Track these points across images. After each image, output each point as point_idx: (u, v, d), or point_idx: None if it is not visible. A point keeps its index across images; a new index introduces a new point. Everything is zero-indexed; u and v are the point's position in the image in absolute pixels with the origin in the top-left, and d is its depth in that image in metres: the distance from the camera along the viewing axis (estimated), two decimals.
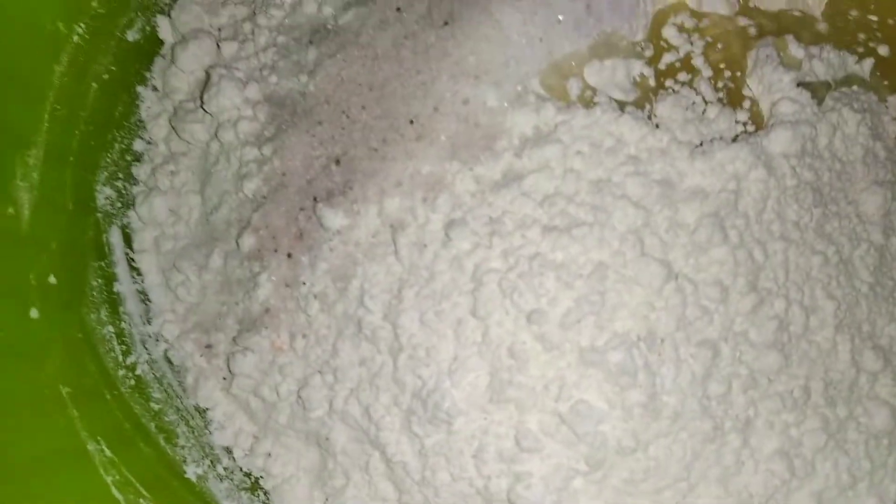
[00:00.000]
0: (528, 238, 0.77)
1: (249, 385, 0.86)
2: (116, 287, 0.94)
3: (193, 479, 0.89)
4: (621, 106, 0.83)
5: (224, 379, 0.89)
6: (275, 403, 0.85)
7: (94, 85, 0.94)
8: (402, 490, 0.83)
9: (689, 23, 0.92)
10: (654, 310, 0.77)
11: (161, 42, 1.02)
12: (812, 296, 0.84)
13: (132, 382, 0.90)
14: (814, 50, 0.96)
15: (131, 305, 0.94)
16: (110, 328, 0.91)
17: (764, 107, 0.91)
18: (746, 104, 0.90)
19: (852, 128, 0.92)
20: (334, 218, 0.81)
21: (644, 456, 0.77)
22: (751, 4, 0.97)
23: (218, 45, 0.98)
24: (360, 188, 0.81)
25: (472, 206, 0.79)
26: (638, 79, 0.86)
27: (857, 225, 0.89)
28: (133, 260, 0.95)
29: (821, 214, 0.86)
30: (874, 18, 1.02)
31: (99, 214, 0.94)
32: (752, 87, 0.92)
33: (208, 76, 0.94)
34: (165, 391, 0.92)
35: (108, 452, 0.82)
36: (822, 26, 1.01)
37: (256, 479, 0.90)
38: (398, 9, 0.87)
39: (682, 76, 0.88)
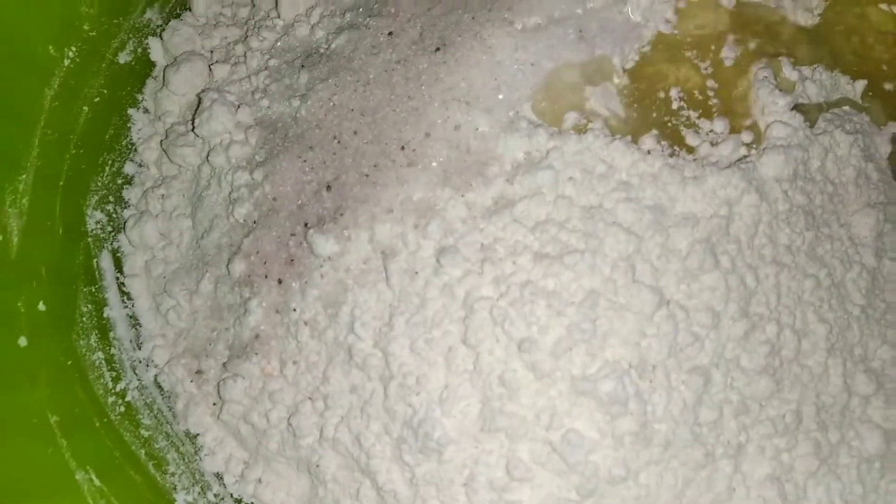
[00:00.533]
0: (520, 265, 0.77)
1: (240, 411, 0.86)
2: (106, 312, 0.93)
3: None
4: (613, 131, 0.83)
5: (214, 405, 0.88)
6: (265, 430, 0.85)
7: (84, 108, 0.94)
8: None
9: (682, 47, 0.92)
10: (646, 337, 0.76)
11: (153, 64, 1.03)
12: (804, 319, 0.84)
13: (122, 409, 0.90)
14: (806, 71, 0.96)
15: (121, 330, 0.93)
16: (100, 354, 0.91)
17: (759, 128, 0.91)
18: (744, 124, 0.90)
19: (844, 150, 0.92)
20: (325, 244, 0.81)
21: (635, 484, 0.76)
22: (744, 18, 0.97)
23: (210, 68, 0.98)
24: (352, 214, 0.81)
25: (464, 233, 0.79)
26: (630, 103, 0.86)
27: (849, 247, 0.89)
28: (123, 284, 0.95)
29: (813, 237, 0.86)
30: (866, 38, 1.03)
31: (89, 239, 0.94)
32: (749, 109, 0.92)
33: (200, 100, 0.94)
34: (155, 417, 0.91)
35: (97, 482, 0.81)
36: (814, 46, 1.02)
37: None
38: (390, 33, 0.88)
39: (676, 100, 0.89)
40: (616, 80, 0.86)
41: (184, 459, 0.90)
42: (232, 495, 0.90)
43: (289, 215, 0.85)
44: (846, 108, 0.97)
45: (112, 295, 0.94)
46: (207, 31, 1.02)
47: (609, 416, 0.75)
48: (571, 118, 0.85)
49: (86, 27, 0.92)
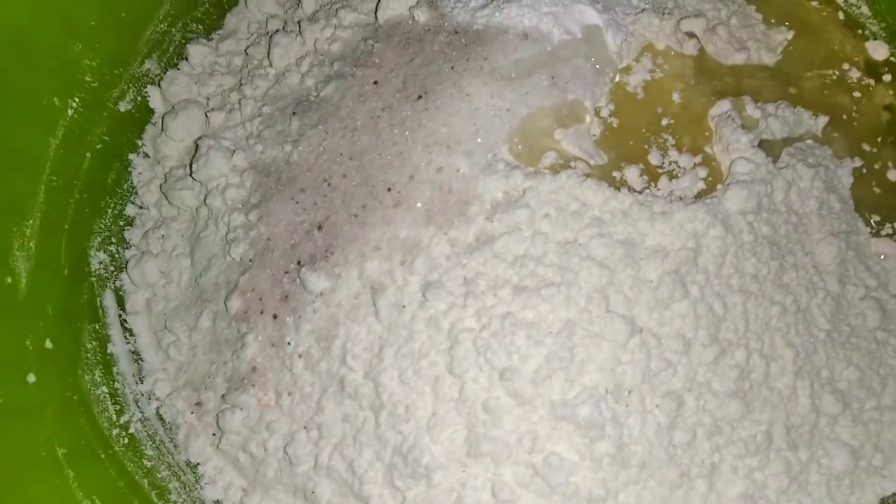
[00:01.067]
0: (501, 298, 0.82)
1: (238, 441, 0.89)
2: (110, 348, 0.97)
3: None
4: (586, 170, 0.88)
5: (214, 435, 0.92)
6: (263, 458, 0.88)
7: (87, 155, 0.98)
8: None
9: (650, 87, 0.98)
10: (620, 364, 0.81)
11: (152, 111, 1.07)
12: (772, 344, 0.88)
13: (125, 441, 0.93)
14: (770, 108, 1.02)
15: (124, 365, 0.97)
16: (104, 388, 0.94)
17: (723, 166, 0.96)
18: (705, 163, 0.96)
19: (807, 182, 0.97)
20: (317, 281, 0.86)
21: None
22: (709, 60, 1.03)
23: (206, 115, 1.03)
24: (342, 252, 0.86)
25: (448, 268, 0.84)
26: (601, 143, 0.92)
27: (813, 275, 0.94)
28: (126, 321, 0.99)
29: (778, 266, 0.91)
30: (827, 72, 1.09)
31: (93, 279, 0.98)
32: (713, 147, 0.98)
33: (197, 145, 0.99)
34: (158, 448, 0.95)
35: None
36: (777, 83, 1.07)
37: None
38: (375, 82, 0.93)
39: (645, 139, 0.95)
40: (588, 122, 0.91)
41: (185, 488, 0.94)
42: None
43: (282, 254, 0.89)
44: (809, 141, 1.03)
45: (115, 332, 0.98)
46: (203, 80, 1.07)
47: (587, 439, 0.79)
48: (549, 158, 0.90)
49: (88, 78, 0.96)
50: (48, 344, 0.89)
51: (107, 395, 0.94)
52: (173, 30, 1.09)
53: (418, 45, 0.94)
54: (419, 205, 0.86)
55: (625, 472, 0.80)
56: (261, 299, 0.89)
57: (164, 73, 1.08)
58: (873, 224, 1.01)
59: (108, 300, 0.99)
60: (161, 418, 0.96)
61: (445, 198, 0.86)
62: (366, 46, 0.98)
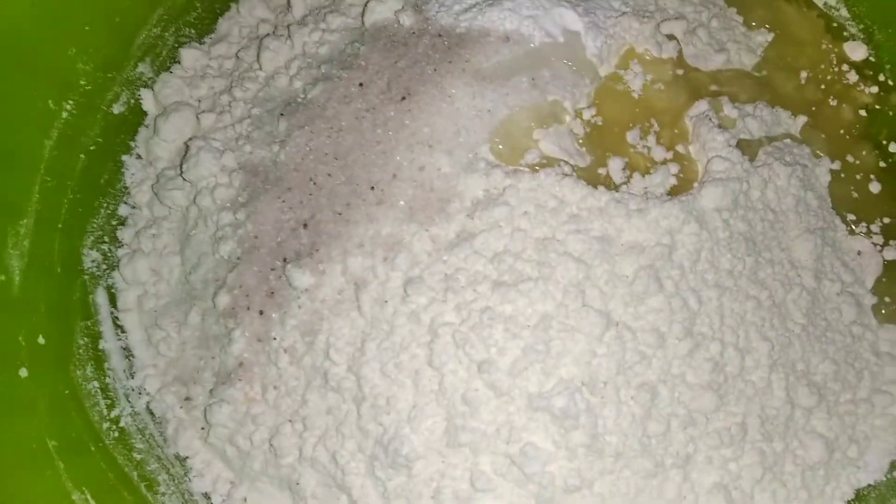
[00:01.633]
0: (480, 293, 0.84)
1: (225, 434, 0.91)
2: (102, 344, 0.99)
3: None
4: (564, 169, 0.90)
5: (202, 429, 0.94)
6: (249, 451, 0.90)
7: (81, 156, 1.00)
8: None
9: (629, 87, 1.00)
10: (596, 356, 0.83)
11: (145, 113, 1.09)
12: (747, 338, 0.90)
13: (116, 434, 0.95)
14: (748, 108, 1.04)
15: (116, 361, 0.99)
16: (95, 383, 0.97)
17: (700, 165, 0.98)
18: (683, 163, 0.98)
19: (784, 180, 0.99)
20: (302, 277, 0.88)
21: (590, 493, 0.82)
22: (688, 62, 1.05)
23: (197, 117, 1.05)
24: (326, 249, 0.88)
25: (429, 264, 0.86)
26: (580, 143, 0.94)
27: (789, 270, 0.96)
28: (118, 318, 1.01)
29: (754, 262, 0.93)
30: (806, 73, 1.11)
31: (85, 277, 1.00)
32: (691, 147, 1.00)
33: (188, 146, 1.01)
34: (147, 441, 0.97)
35: (92, 502, 0.86)
36: (756, 84, 1.09)
37: None
38: (361, 84, 0.95)
39: (623, 140, 0.97)
40: (567, 122, 0.94)
41: (174, 481, 0.96)
42: None
43: (269, 251, 0.91)
44: (787, 141, 1.05)
45: (107, 328, 1.00)
46: (195, 83, 1.09)
47: (563, 429, 0.81)
48: (531, 156, 0.92)
49: (82, 82, 0.99)
50: (41, 340, 0.91)
51: (98, 390, 0.96)
52: (166, 34, 1.11)
53: (403, 47, 0.97)
54: (402, 203, 0.88)
55: (600, 462, 0.82)
56: (248, 296, 0.91)
57: (157, 77, 1.10)
58: (849, 223, 1.03)
59: (101, 297, 1.01)
60: (151, 412, 0.98)
61: (427, 196, 0.88)
62: (352, 49, 1.00)
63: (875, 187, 1.06)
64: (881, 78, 1.12)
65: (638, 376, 0.84)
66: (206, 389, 0.94)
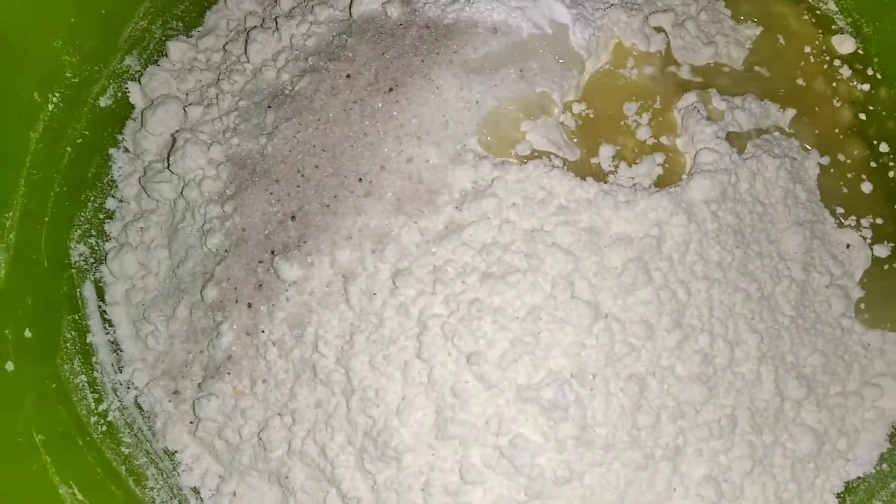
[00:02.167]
0: (468, 284, 0.84)
1: (214, 428, 0.91)
2: (89, 338, 0.99)
3: None
4: (553, 160, 0.90)
5: (191, 423, 0.94)
6: (238, 445, 0.90)
7: (68, 149, 0.99)
8: None
9: (617, 79, 1.00)
10: (585, 348, 0.83)
11: (132, 106, 1.09)
12: (736, 330, 0.90)
13: (104, 428, 0.95)
14: (737, 101, 1.04)
15: (103, 355, 0.99)
16: (83, 377, 0.96)
17: (688, 157, 0.98)
18: (669, 154, 0.97)
19: (772, 172, 0.99)
20: (290, 270, 0.87)
21: (580, 485, 0.82)
22: (676, 55, 1.05)
23: (184, 110, 1.05)
24: (314, 242, 0.88)
25: (417, 256, 0.85)
26: (568, 135, 0.94)
27: (778, 262, 0.96)
28: (105, 312, 1.01)
29: (742, 254, 0.93)
30: (794, 66, 1.11)
31: (73, 270, 1.00)
32: (678, 139, 1.00)
33: (174, 139, 1.01)
34: (136, 436, 0.97)
35: (79, 496, 0.86)
36: (745, 77, 1.09)
37: None
38: (348, 76, 0.95)
39: (611, 130, 0.97)
40: (556, 114, 0.93)
41: (162, 475, 0.95)
42: None
43: (257, 244, 0.91)
44: (776, 133, 1.05)
45: (94, 322, 1.00)
46: (182, 76, 1.09)
47: (552, 421, 0.81)
48: (521, 148, 0.92)
49: (68, 74, 0.98)
50: (28, 333, 0.90)
51: (85, 384, 0.96)
52: (153, 27, 1.11)
53: (390, 39, 0.96)
54: (390, 194, 0.88)
55: (589, 454, 0.82)
56: (236, 288, 0.91)
57: (145, 69, 1.10)
58: (838, 216, 1.03)
59: (88, 291, 1.01)
60: (139, 406, 0.98)
61: (415, 187, 0.88)
62: (340, 41, 1.00)
63: (867, 186, 1.06)
64: (869, 72, 1.13)
65: (627, 368, 0.84)
66: (194, 383, 0.93)
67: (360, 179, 0.89)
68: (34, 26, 0.93)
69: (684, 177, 0.94)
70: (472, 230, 0.85)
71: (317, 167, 0.91)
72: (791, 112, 1.07)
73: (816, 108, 1.09)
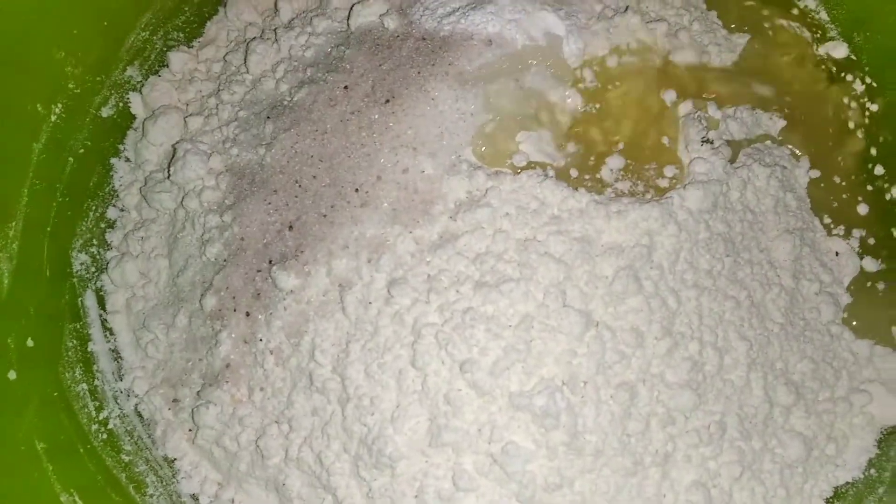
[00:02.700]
0: (462, 293, 0.85)
1: (213, 436, 0.92)
2: (90, 346, 1.00)
3: None
4: (547, 171, 0.92)
5: (190, 430, 0.95)
6: (236, 452, 0.91)
7: (70, 159, 1.00)
8: None
9: (612, 92, 1.01)
10: (576, 356, 0.84)
11: (133, 117, 1.11)
12: (725, 337, 0.91)
13: (104, 436, 0.96)
14: (729, 111, 1.05)
15: (104, 363, 1.00)
16: (84, 385, 0.97)
17: (683, 166, 1.00)
18: (667, 164, 0.99)
19: (763, 181, 1.00)
20: (287, 279, 0.89)
21: (570, 491, 0.83)
22: (670, 58, 1.06)
23: (185, 120, 1.06)
24: (311, 251, 0.89)
25: (412, 266, 0.87)
26: (563, 145, 0.95)
27: (768, 270, 0.97)
28: (106, 321, 1.02)
29: (732, 262, 0.94)
30: (785, 75, 1.12)
31: (74, 279, 1.01)
32: (676, 147, 1.01)
33: (175, 149, 1.02)
34: (136, 443, 0.98)
35: (80, 503, 0.88)
36: (737, 86, 1.11)
37: None
38: (346, 87, 0.97)
39: (607, 141, 0.98)
40: (549, 126, 0.95)
41: (162, 482, 0.97)
42: None
43: (255, 253, 0.93)
44: (767, 142, 1.06)
45: (95, 331, 1.01)
46: (183, 86, 1.10)
47: (543, 428, 0.82)
48: (515, 159, 0.93)
49: (71, 85, 0.99)
50: (30, 342, 0.91)
51: (86, 392, 0.97)
52: (155, 38, 1.12)
53: (387, 50, 0.98)
54: (385, 204, 0.89)
55: (580, 461, 0.83)
56: (234, 297, 0.92)
57: (146, 80, 1.11)
58: (826, 224, 1.04)
59: (89, 300, 1.02)
60: (139, 414, 0.99)
61: (411, 198, 0.89)
62: (338, 52, 1.01)
63: (858, 195, 1.07)
64: (860, 81, 1.14)
65: (617, 375, 0.85)
66: (193, 391, 0.95)
67: (357, 190, 0.90)
68: (37, 38, 0.94)
69: (678, 186, 0.95)
70: (466, 240, 0.87)
71: (314, 177, 0.93)
72: (781, 122, 1.08)
73: (807, 116, 1.11)
